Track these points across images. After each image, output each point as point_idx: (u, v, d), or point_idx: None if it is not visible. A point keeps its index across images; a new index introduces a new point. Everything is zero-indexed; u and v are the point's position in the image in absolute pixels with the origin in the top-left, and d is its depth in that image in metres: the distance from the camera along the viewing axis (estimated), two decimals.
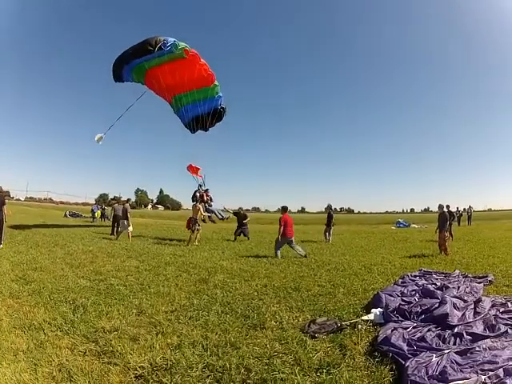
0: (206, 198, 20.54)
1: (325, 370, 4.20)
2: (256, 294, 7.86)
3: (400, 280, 8.93)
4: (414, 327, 5.36)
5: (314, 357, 4.55)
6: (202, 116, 17.86)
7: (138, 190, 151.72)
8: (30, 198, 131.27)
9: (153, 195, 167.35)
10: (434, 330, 5.27)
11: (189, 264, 11.23)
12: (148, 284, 8.36)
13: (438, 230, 15.77)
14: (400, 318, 5.85)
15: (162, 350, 4.60)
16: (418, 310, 6.10)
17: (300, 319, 6.13)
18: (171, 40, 14.86)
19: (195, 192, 20.46)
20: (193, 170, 20.21)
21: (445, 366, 4.02)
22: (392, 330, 5.16)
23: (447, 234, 15.98)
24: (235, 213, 21.69)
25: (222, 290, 8.08)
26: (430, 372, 3.96)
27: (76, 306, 6.39)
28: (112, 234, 21.02)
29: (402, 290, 7.70)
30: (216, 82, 17.58)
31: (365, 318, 6.14)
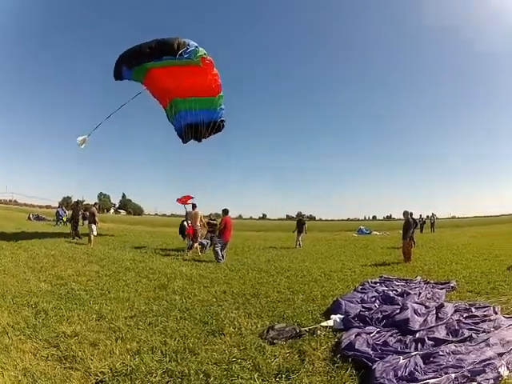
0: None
1: (284, 376, 4.28)
2: (215, 300, 7.92)
3: (360, 287, 9.03)
4: (377, 332, 5.50)
5: (273, 362, 4.62)
6: (200, 125, 16.99)
7: (101, 194, 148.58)
8: None
9: (115, 199, 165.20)
10: (395, 335, 5.41)
11: (148, 270, 11.30)
12: (108, 289, 8.40)
13: (403, 237, 15.85)
14: (361, 325, 5.95)
15: (121, 356, 4.63)
16: (379, 316, 6.24)
17: (258, 325, 6.19)
18: (193, 45, 14.13)
19: (183, 222, 18.97)
20: (183, 200, 18.39)
21: (414, 368, 4.18)
22: (356, 336, 5.26)
23: (411, 241, 16.22)
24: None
25: (180, 296, 8.14)
26: (398, 374, 4.10)
27: (38, 311, 6.38)
28: (73, 237, 20.78)
29: (362, 296, 7.86)
30: (221, 93, 17.00)
31: (324, 324, 6.24)
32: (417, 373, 4.08)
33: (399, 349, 4.86)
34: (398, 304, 6.92)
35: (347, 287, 9.53)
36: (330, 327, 6.08)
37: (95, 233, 18.37)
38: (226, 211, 15.00)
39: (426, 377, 3.99)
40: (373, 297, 7.79)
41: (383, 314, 6.31)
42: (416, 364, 4.26)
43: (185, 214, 18.00)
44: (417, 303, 6.85)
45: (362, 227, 45.57)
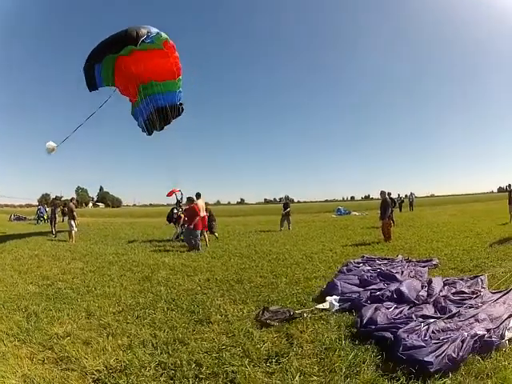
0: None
1: (274, 360, 4.38)
2: (199, 288, 8.05)
3: (344, 267, 9.01)
4: (395, 307, 5.63)
5: (262, 347, 4.73)
6: (167, 109, 17.06)
7: (78, 188, 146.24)
8: None
9: (93, 193, 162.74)
10: (407, 308, 5.65)
11: (132, 262, 11.40)
12: (94, 286, 8.47)
13: (381, 218, 15.97)
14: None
15: (114, 352, 4.70)
16: (388, 294, 6.28)
17: (245, 311, 6.31)
18: (154, 31, 14.18)
19: (172, 210, 18.68)
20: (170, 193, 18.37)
21: (433, 331, 4.49)
22: (375, 311, 5.41)
23: (390, 221, 16.31)
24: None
25: (165, 286, 8.25)
26: (421, 336, 4.37)
27: (29, 314, 6.41)
28: (54, 234, 20.79)
29: (359, 276, 7.94)
30: (180, 76, 16.99)
31: (320, 306, 6.34)
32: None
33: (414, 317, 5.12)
34: (398, 281, 7.12)
35: (329, 268, 9.75)
36: (326, 309, 6.21)
37: (75, 229, 18.29)
38: (190, 199, 14.82)
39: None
40: (371, 276, 7.88)
41: (391, 291, 6.37)
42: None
43: (176, 202, 18.18)
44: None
45: (340, 207, 46.03)
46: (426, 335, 4.43)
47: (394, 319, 5.20)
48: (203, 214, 15.64)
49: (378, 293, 6.50)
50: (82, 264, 11.35)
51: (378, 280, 7.61)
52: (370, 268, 8.85)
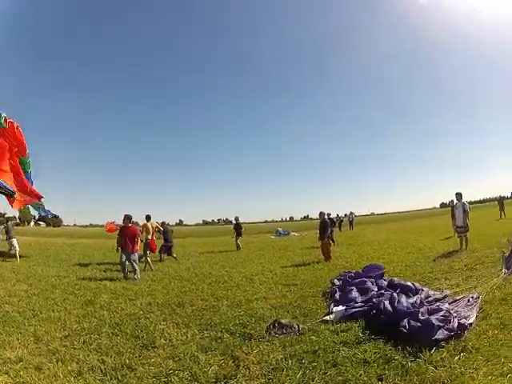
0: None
1: (223, 383, 4.56)
2: (142, 312, 8.16)
3: (340, 280, 9.50)
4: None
5: (210, 371, 4.86)
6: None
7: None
8: None
9: (35, 211, 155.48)
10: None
11: (74, 285, 11.40)
12: (39, 309, 8.48)
13: (320, 238, 16.29)
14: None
15: (65, 378, 4.78)
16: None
17: (188, 335, 6.46)
18: None
19: None
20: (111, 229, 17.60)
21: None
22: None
23: (329, 241, 16.66)
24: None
25: (108, 311, 8.31)
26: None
27: None
28: None
29: (366, 286, 8.35)
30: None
31: (326, 318, 6.67)
32: None
33: None
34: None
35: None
36: (332, 321, 6.57)
37: (17, 248, 17.96)
38: (129, 217, 13.19)
39: None
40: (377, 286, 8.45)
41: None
42: None
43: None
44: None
45: (279, 229, 46.08)
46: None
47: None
48: (151, 237, 15.82)
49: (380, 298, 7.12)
50: (26, 286, 11.32)
51: (377, 288, 8.20)
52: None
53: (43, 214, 19.51)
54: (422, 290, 7.77)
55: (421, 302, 6.78)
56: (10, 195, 14.07)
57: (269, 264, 15.77)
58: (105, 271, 14.79)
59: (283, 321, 6.56)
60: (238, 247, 23.70)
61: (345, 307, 7.01)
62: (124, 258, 12.75)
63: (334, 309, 7.04)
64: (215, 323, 7.09)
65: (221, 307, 8.38)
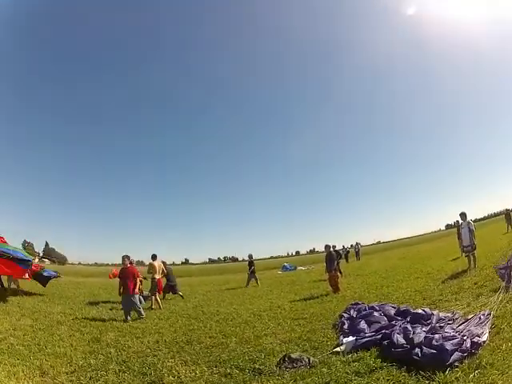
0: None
1: None
2: (149, 350, 8.02)
3: (351, 311, 9.24)
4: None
5: None
6: None
7: (25, 242, 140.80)
8: None
9: (39, 248, 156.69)
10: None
11: (79, 323, 11.24)
12: (45, 344, 8.43)
13: (327, 270, 16.12)
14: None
15: None
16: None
17: (197, 372, 6.34)
18: None
19: None
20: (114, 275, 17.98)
21: None
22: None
23: (337, 273, 16.28)
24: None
25: (115, 348, 8.21)
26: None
27: None
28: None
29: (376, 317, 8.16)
30: None
31: (337, 349, 6.58)
32: None
33: None
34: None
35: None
36: (343, 352, 6.44)
37: (17, 283, 18.06)
38: (128, 257, 13.11)
39: None
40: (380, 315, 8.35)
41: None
42: None
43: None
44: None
45: (286, 264, 45.40)
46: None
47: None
48: (158, 276, 15.62)
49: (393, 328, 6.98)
50: (31, 321, 11.17)
51: (386, 319, 8.03)
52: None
53: (47, 274, 19.63)
54: (433, 314, 7.62)
55: (433, 327, 6.65)
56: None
57: (277, 299, 15.51)
58: (111, 309, 14.59)
59: (293, 355, 6.45)
60: (248, 283, 23.63)
61: (355, 337, 6.96)
62: (125, 300, 12.45)
63: (344, 340, 6.98)
64: (224, 360, 6.94)
65: (229, 344, 8.21)
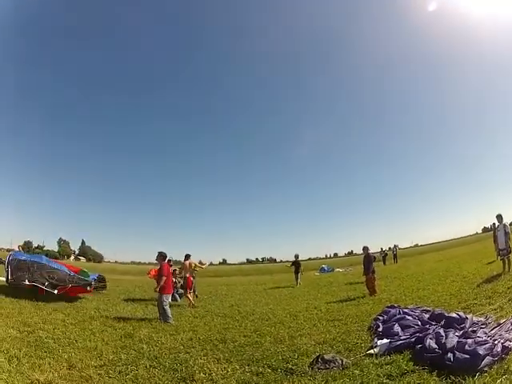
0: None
1: None
2: (182, 347, 7.88)
3: (385, 315, 9.04)
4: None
5: None
6: None
7: (60, 240, 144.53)
8: None
9: (75, 246, 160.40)
10: None
11: (113, 319, 11.14)
12: (75, 338, 8.29)
13: (364, 272, 15.98)
14: None
15: None
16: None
17: (229, 370, 6.25)
18: None
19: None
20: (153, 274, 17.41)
21: None
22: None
23: (374, 275, 16.11)
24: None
25: (147, 344, 8.07)
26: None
27: (10, 356, 6.38)
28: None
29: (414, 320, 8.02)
30: None
31: (371, 351, 6.48)
32: None
33: None
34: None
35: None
36: (376, 354, 6.31)
37: None
38: (163, 255, 12.13)
39: None
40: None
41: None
42: None
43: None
44: None
45: (324, 266, 45.38)
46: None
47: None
48: (189, 274, 15.70)
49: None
50: (62, 315, 11.09)
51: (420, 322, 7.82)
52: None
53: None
54: (467, 318, 7.41)
55: (466, 332, 6.48)
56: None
57: (314, 300, 15.43)
58: (146, 306, 14.55)
59: (326, 356, 6.33)
60: (297, 283, 24.08)
61: (389, 340, 6.84)
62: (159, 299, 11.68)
63: (379, 342, 6.87)
64: (257, 359, 6.85)
65: (264, 343, 8.10)
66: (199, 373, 6.08)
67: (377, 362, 5.96)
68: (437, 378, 4.98)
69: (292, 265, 25.67)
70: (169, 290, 11.77)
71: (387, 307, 10.04)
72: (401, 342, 6.69)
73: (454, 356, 5.35)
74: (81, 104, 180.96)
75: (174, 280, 15.26)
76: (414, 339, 6.64)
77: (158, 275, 11.74)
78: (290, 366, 6.23)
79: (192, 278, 16.02)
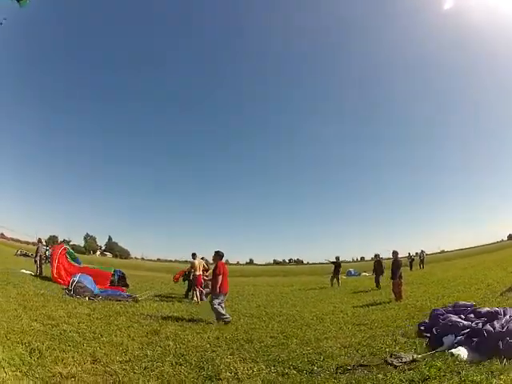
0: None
1: None
2: (209, 346, 7.82)
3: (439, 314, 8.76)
4: None
5: None
6: None
7: (87, 236, 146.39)
8: None
9: (102, 241, 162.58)
10: None
11: (139, 315, 11.11)
12: (100, 333, 8.26)
13: (391, 277, 15.84)
14: None
15: None
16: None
17: (255, 370, 6.22)
18: None
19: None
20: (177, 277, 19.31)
21: None
22: None
23: (400, 280, 15.79)
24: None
25: (174, 341, 8.02)
26: None
27: (32, 349, 6.32)
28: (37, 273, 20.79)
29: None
30: None
31: (440, 349, 6.52)
32: None
33: None
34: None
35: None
36: (443, 350, 6.41)
37: None
38: (220, 254, 11.61)
39: None
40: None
41: None
42: None
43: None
44: None
45: (351, 269, 44.85)
46: None
47: None
48: (198, 272, 16.10)
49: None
50: (88, 310, 11.09)
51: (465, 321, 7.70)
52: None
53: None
54: (506, 309, 7.51)
55: (508, 320, 6.59)
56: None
57: (340, 304, 15.30)
58: (172, 304, 14.60)
59: (397, 354, 6.58)
60: (337, 283, 24.63)
61: (453, 335, 6.90)
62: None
63: (444, 338, 6.92)
64: (283, 360, 6.82)
65: (290, 344, 8.06)
66: (225, 371, 6.07)
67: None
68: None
69: (332, 263, 25.96)
70: (223, 289, 11.12)
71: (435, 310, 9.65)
72: (459, 337, 6.69)
73: (505, 342, 5.66)
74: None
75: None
76: (467, 332, 6.70)
77: (213, 275, 11.39)
78: (315, 368, 6.21)
79: (203, 277, 16.44)
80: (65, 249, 19.86)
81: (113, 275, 19.70)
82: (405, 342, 7.75)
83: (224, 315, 10.68)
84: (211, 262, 12.72)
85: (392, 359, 6.24)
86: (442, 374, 5.39)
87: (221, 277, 10.95)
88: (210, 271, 15.15)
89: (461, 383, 5.02)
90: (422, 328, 8.28)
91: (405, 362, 6.05)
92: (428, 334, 7.68)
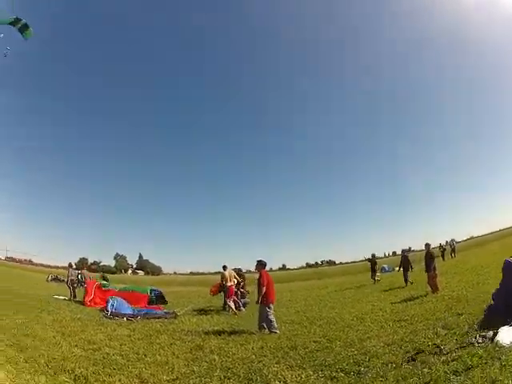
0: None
1: None
2: (254, 356, 7.75)
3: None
4: None
5: None
6: None
7: (117, 255, 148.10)
8: (10, 257, 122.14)
9: (132, 260, 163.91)
10: None
11: (180, 331, 11.07)
12: (144, 353, 8.22)
13: (426, 270, 15.70)
14: None
15: None
16: None
17: (303, 376, 6.17)
18: None
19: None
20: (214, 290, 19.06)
21: None
22: None
23: (435, 272, 15.71)
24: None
25: (219, 355, 7.94)
26: None
27: (76, 376, 6.27)
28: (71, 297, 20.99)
29: None
30: None
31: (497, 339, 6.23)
32: None
33: None
34: None
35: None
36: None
37: None
38: (263, 263, 11.38)
39: None
40: None
41: None
42: None
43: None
44: None
45: (384, 266, 43.83)
46: None
47: None
48: (229, 283, 16.13)
49: None
50: (128, 331, 11.05)
51: None
52: None
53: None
54: None
55: None
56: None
57: (378, 302, 15.30)
58: (211, 317, 14.56)
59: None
60: (375, 281, 25.51)
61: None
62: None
63: (501, 329, 6.59)
64: (329, 363, 6.78)
65: (334, 348, 8.02)
66: (274, 380, 6.05)
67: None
68: (498, 370, 4.89)
69: (368, 261, 27.31)
70: (271, 299, 10.98)
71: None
72: None
73: None
74: None
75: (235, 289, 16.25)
76: None
77: (258, 285, 11.07)
78: (362, 369, 6.17)
79: (234, 288, 16.56)
80: (98, 285, 20.50)
81: (149, 295, 19.80)
82: (445, 333, 7.68)
83: (275, 326, 10.56)
84: (255, 270, 11.88)
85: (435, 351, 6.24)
86: (484, 361, 5.35)
87: (267, 286, 10.78)
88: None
89: (501, 368, 4.94)
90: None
91: (447, 354, 6.02)
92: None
